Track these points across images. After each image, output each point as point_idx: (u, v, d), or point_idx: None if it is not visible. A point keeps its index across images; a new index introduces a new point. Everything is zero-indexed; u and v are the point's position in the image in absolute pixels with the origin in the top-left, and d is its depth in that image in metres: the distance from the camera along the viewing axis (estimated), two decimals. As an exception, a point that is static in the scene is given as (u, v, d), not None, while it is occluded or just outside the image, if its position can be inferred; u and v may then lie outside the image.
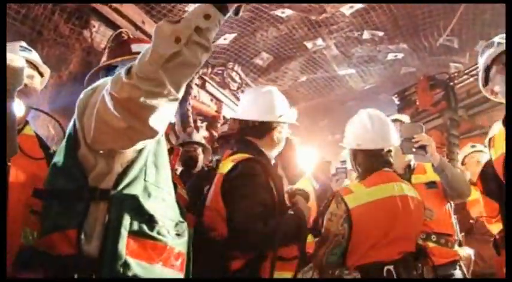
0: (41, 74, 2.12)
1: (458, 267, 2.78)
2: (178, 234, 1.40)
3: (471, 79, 5.42)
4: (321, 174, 3.97)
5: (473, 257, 2.85)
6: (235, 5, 1.27)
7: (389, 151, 2.52)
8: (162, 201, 1.39)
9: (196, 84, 4.95)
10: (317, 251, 2.31)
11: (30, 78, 2.00)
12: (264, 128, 2.19)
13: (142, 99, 1.15)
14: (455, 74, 5.57)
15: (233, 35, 4.62)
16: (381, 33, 4.88)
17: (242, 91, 5.23)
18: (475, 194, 3.00)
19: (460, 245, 2.91)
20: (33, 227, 1.69)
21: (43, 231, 1.36)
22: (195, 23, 1.18)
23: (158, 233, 1.32)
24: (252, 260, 1.85)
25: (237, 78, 5.31)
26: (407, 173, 3.05)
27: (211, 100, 5.42)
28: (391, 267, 2.21)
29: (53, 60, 3.38)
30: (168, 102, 1.20)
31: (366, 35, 4.88)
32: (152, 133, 1.26)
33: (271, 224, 1.84)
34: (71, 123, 1.40)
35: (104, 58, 1.87)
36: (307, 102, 6.38)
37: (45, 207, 1.39)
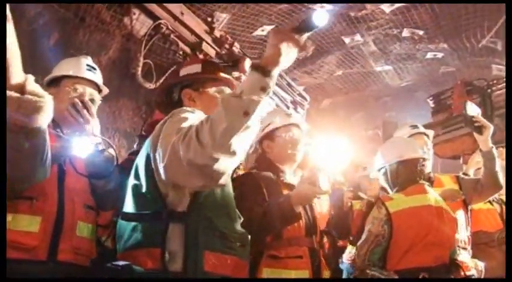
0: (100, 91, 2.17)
1: None
2: (242, 245, 1.57)
3: (511, 87, 5.19)
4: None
5: (483, 270, 2.82)
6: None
7: (424, 164, 2.74)
8: (227, 216, 1.56)
9: (230, 73, 4.98)
10: (360, 252, 2.54)
11: (91, 99, 2.05)
12: None
13: (216, 166, 1.26)
14: (494, 81, 5.37)
15: (271, 27, 4.61)
16: (421, 32, 4.76)
17: (276, 82, 5.22)
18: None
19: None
20: (87, 220, 1.90)
21: (125, 247, 1.51)
22: (256, 97, 1.25)
23: (229, 248, 1.50)
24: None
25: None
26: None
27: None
28: (426, 275, 2.38)
29: (94, 46, 3.50)
30: (232, 162, 1.31)
31: (406, 33, 4.77)
32: (220, 186, 1.43)
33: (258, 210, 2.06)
34: (147, 144, 1.51)
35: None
36: (342, 96, 6.33)
37: (123, 226, 1.55)
